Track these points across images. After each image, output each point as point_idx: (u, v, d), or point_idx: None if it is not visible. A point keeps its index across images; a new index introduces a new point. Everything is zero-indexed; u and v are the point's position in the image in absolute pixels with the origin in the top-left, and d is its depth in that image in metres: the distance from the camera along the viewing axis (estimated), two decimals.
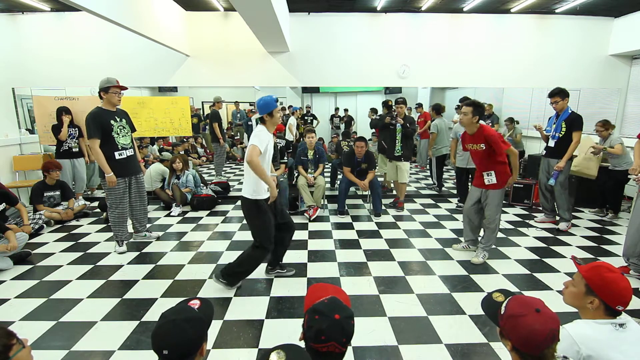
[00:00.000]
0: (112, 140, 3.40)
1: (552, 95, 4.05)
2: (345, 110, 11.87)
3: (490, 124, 6.84)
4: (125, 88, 3.52)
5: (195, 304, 1.17)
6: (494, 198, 3.28)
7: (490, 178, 3.24)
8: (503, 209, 5.10)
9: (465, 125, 3.22)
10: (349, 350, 2.09)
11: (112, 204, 3.53)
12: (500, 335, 1.13)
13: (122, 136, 3.50)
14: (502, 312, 1.11)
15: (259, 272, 3.17)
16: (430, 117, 7.41)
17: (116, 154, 3.43)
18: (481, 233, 3.55)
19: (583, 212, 5.02)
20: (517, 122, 7.17)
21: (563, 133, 4.04)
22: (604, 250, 3.68)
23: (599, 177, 4.66)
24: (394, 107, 4.96)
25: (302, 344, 1.15)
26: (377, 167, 5.30)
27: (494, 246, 3.68)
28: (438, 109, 6.13)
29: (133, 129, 3.69)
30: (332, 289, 1.34)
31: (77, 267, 3.28)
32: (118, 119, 3.48)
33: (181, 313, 1.10)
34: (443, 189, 6.22)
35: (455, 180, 5.94)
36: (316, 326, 1.08)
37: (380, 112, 6.72)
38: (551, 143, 4.18)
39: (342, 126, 11.48)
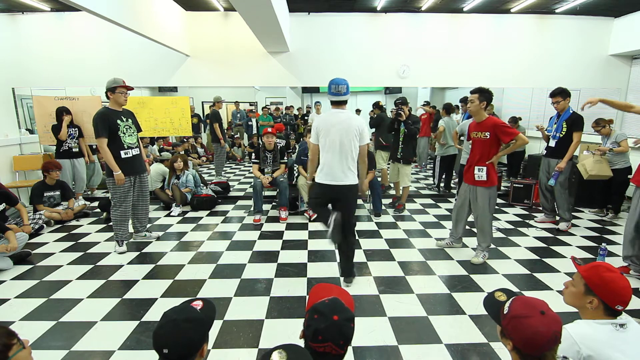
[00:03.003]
0: (118, 140, 3.44)
1: (553, 95, 4.05)
2: (357, 110, 11.77)
3: None
4: (131, 88, 3.56)
5: (198, 304, 1.17)
6: (482, 197, 3.25)
7: (480, 174, 3.21)
8: (503, 208, 5.15)
9: (474, 112, 3.21)
10: (349, 349, 2.09)
11: (116, 202, 3.55)
12: (501, 335, 1.13)
13: (128, 135, 3.54)
14: (505, 312, 1.10)
15: (259, 271, 3.17)
16: (432, 116, 7.42)
17: (122, 152, 3.47)
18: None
19: (583, 212, 5.02)
20: (520, 119, 7.14)
21: (564, 133, 4.05)
22: None
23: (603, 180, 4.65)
24: (392, 107, 4.96)
25: (302, 342, 1.14)
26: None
27: (493, 246, 3.68)
28: (448, 109, 6.14)
29: (139, 129, 3.73)
30: (336, 289, 1.33)
31: (77, 267, 3.28)
32: (124, 119, 3.52)
33: (183, 313, 1.10)
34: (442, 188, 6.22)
35: (457, 180, 5.94)
36: (314, 326, 1.08)
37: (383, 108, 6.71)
38: (552, 143, 4.18)
39: None
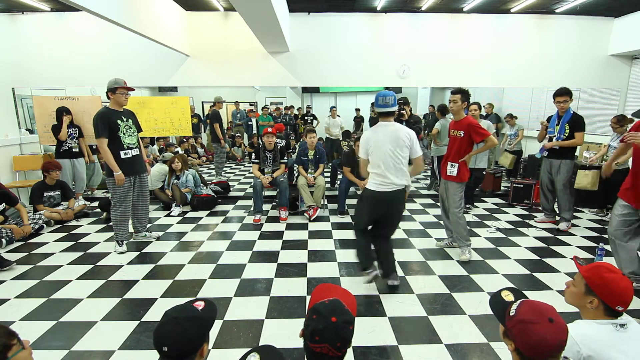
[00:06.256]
0: (118, 140, 3.44)
1: (560, 94, 4.01)
2: (357, 110, 11.74)
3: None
4: (132, 89, 3.56)
5: (199, 305, 1.18)
6: (452, 190, 3.42)
7: (452, 170, 3.38)
8: (503, 208, 5.15)
9: (456, 112, 3.37)
10: (349, 350, 2.09)
11: (116, 202, 3.55)
12: (504, 335, 1.13)
13: (128, 136, 3.53)
14: (511, 314, 1.09)
15: (259, 271, 3.17)
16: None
17: (122, 153, 3.47)
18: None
19: (583, 212, 5.02)
20: (516, 117, 7.12)
21: (567, 135, 4.04)
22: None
23: (601, 179, 4.67)
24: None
25: (302, 340, 1.15)
26: None
27: (492, 246, 3.68)
28: (443, 110, 6.12)
29: (139, 129, 3.73)
30: (340, 291, 1.32)
31: (77, 267, 3.28)
32: (124, 119, 3.52)
33: (184, 312, 1.12)
34: None
35: None
36: (312, 325, 1.08)
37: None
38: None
39: (352, 127, 11.36)
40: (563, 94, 4.01)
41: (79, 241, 3.93)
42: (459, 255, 3.44)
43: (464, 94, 3.29)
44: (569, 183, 4.21)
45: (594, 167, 4.83)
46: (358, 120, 11.44)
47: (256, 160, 4.79)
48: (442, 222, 4.51)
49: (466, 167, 3.37)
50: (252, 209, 4.80)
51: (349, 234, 4.12)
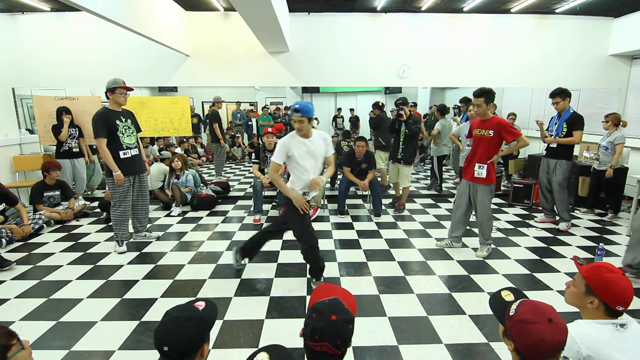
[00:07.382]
0: (117, 140, 3.44)
1: (553, 95, 4.05)
2: (351, 110, 11.76)
3: None
4: (131, 89, 3.56)
5: (200, 305, 1.18)
6: (482, 193, 3.35)
7: (481, 171, 3.30)
8: (503, 208, 5.15)
9: (482, 114, 3.27)
10: (349, 350, 2.09)
11: (115, 202, 3.55)
12: (503, 335, 1.13)
13: (127, 136, 3.53)
14: (510, 314, 1.09)
15: (259, 271, 3.17)
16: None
17: (121, 153, 3.47)
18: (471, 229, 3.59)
19: (578, 211, 5.01)
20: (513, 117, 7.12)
21: (564, 133, 4.04)
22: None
23: (592, 180, 4.71)
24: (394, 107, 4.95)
25: (302, 340, 1.15)
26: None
27: (493, 245, 3.69)
28: (442, 110, 6.12)
29: (138, 129, 3.73)
30: (339, 290, 1.33)
31: (77, 267, 3.28)
32: (123, 119, 3.52)
33: (184, 312, 1.12)
34: (443, 189, 6.22)
35: (455, 180, 5.92)
36: (312, 324, 1.08)
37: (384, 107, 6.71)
38: (553, 144, 4.18)
39: (349, 127, 11.39)
40: (554, 95, 4.03)
41: (79, 241, 3.93)
42: (477, 251, 3.51)
43: (487, 95, 3.16)
44: (567, 182, 4.21)
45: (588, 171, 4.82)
46: (354, 120, 11.46)
47: (256, 160, 4.79)
48: (441, 222, 4.53)
49: (494, 168, 3.32)
50: (252, 209, 4.80)
51: (349, 234, 4.12)
